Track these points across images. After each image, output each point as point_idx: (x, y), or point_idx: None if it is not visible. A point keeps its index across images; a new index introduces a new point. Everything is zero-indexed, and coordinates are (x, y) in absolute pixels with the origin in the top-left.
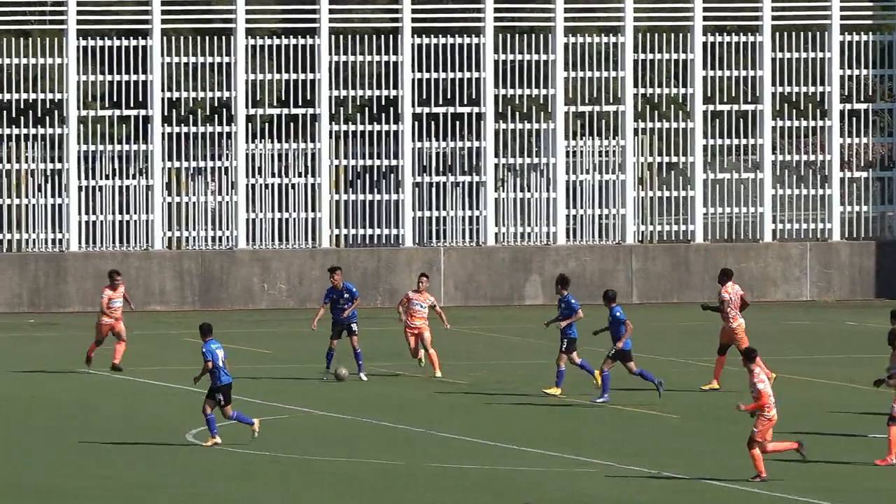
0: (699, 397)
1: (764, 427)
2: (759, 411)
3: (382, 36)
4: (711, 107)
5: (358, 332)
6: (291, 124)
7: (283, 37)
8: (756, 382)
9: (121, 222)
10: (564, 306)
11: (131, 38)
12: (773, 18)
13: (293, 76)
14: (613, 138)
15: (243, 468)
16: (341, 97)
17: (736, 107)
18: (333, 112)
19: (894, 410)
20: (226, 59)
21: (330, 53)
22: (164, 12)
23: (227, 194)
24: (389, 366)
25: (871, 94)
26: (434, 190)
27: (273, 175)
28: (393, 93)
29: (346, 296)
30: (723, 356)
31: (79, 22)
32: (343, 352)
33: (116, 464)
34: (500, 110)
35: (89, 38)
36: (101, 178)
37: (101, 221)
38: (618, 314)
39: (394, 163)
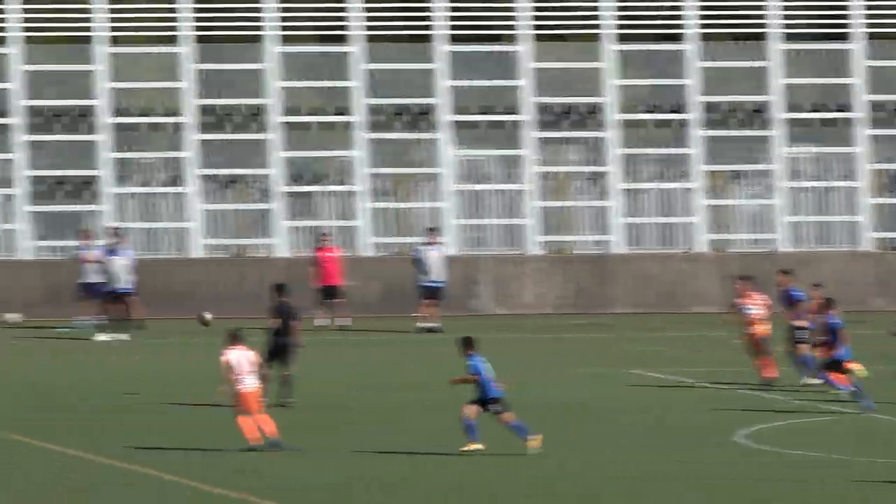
0: None
1: None
2: None
3: None
4: None
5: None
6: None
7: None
8: None
9: (663, 225)
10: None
11: (668, 42)
12: None
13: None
14: None
15: (783, 471)
16: None
17: None
18: None
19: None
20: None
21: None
22: (700, 17)
23: (767, 197)
24: None
25: None
26: None
27: (812, 178)
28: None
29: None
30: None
31: (617, 27)
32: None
33: (642, 458)
34: None
35: (625, 42)
36: (643, 181)
37: (644, 224)
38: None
39: None
